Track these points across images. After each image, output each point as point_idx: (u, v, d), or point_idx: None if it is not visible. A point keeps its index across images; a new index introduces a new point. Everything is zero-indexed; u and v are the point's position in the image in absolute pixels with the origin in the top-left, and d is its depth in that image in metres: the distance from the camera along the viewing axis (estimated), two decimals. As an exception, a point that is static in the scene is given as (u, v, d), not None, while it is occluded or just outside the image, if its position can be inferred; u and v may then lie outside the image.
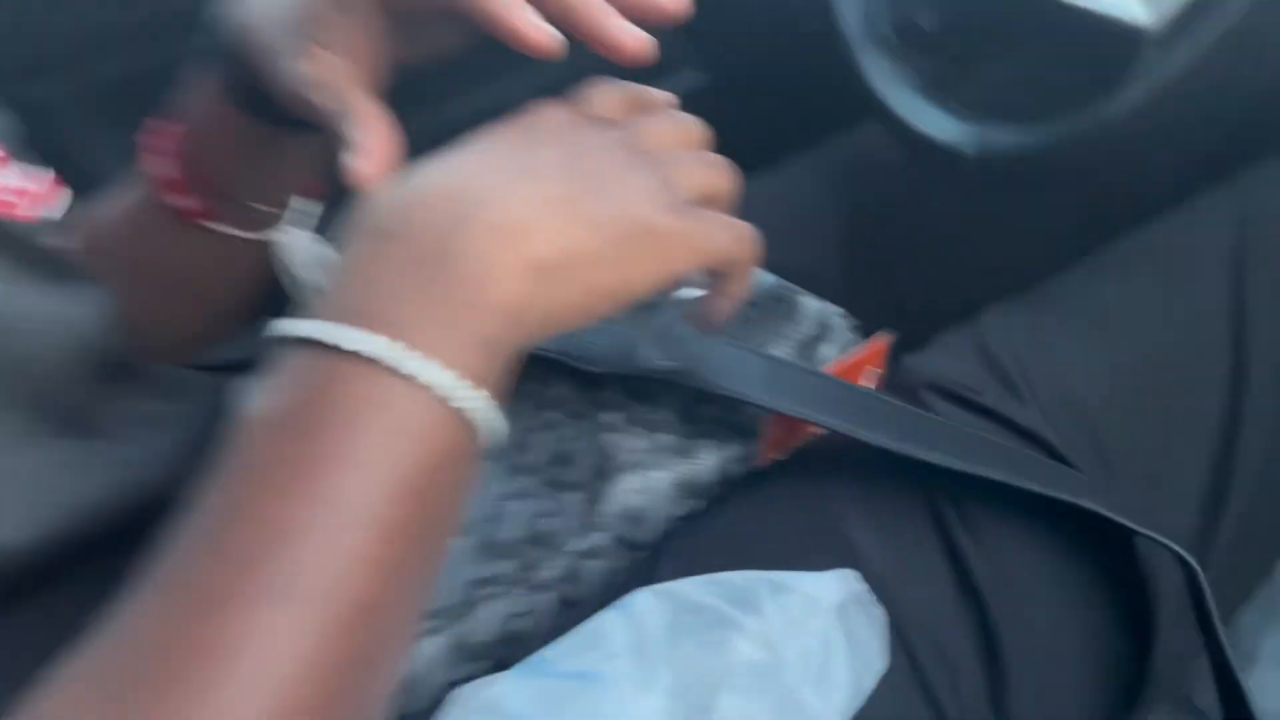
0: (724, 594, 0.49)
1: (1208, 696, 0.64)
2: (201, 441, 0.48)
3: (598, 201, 0.39)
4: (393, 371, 0.35)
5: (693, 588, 0.49)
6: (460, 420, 0.36)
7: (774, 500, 0.57)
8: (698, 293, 0.46)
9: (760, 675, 0.47)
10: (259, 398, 0.36)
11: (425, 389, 0.35)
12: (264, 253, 0.60)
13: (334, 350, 0.35)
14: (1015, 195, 0.72)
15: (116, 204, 0.58)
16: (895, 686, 0.50)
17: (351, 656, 0.33)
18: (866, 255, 0.77)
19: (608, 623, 0.49)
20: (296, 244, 0.60)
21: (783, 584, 0.48)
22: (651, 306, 0.49)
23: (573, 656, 0.48)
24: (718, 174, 0.43)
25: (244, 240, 0.58)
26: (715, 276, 0.45)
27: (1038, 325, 0.59)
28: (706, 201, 0.43)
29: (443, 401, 0.35)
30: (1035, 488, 0.51)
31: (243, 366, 0.59)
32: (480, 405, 0.36)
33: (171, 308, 0.60)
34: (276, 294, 0.64)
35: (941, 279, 0.74)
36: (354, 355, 0.35)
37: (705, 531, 0.57)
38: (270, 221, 0.59)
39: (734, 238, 0.42)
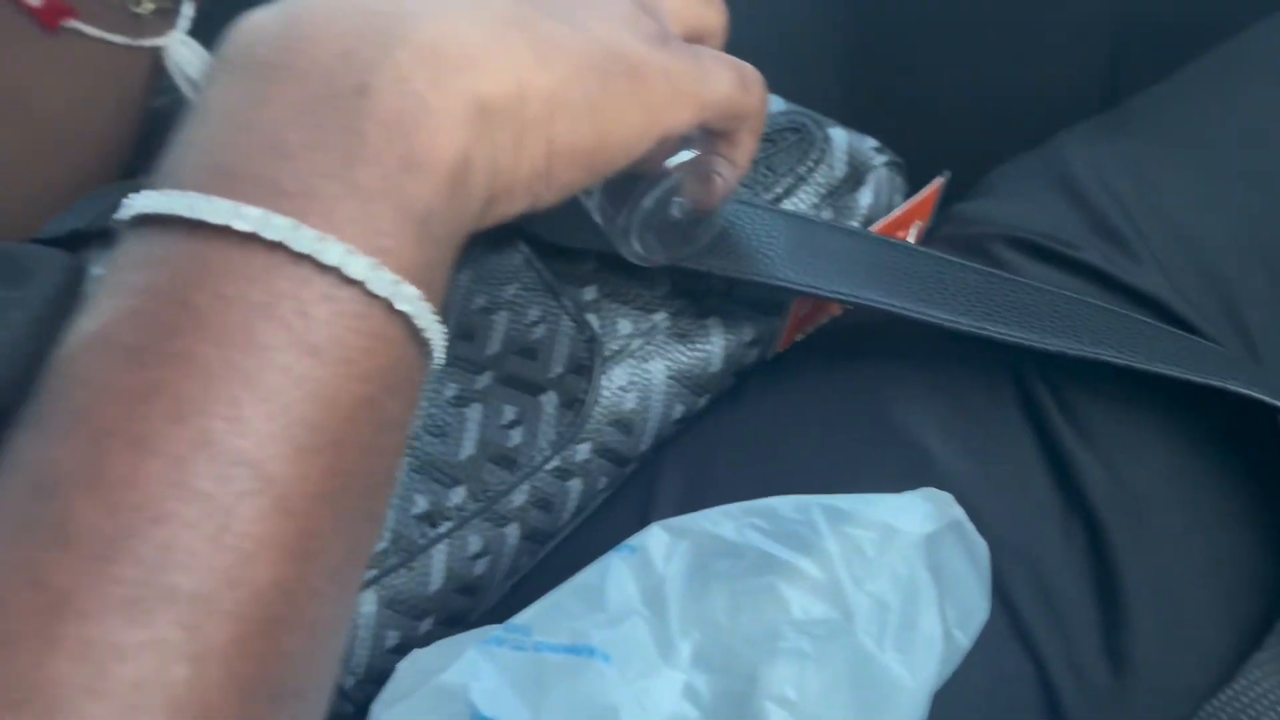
0: (767, 527, 0.35)
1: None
2: (49, 339, 0.38)
3: (561, 25, 0.30)
4: (291, 261, 0.25)
5: (724, 521, 0.36)
6: (392, 329, 0.26)
7: (807, 393, 0.44)
8: (690, 156, 0.36)
9: (821, 636, 0.34)
10: (94, 306, 0.25)
11: (340, 286, 0.25)
12: (143, 72, 0.48)
13: (201, 230, 0.25)
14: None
15: None
16: (983, 634, 0.37)
17: (254, 679, 0.23)
18: (876, 78, 0.62)
19: (608, 573, 0.35)
20: (194, 55, 0.46)
21: (848, 511, 0.35)
22: (631, 183, 0.36)
23: (560, 621, 0.35)
24: (707, 3, 0.36)
25: (120, 49, 0.46)
26: (714, 136, 0.36)
27: (1132, 155, 0.45)
28: (694, 39, 0.35)
29: (367, 303, 0.25)
30: (1169, 369, 0.38)
31: (96, 237, 0.46)
32: (416, 307, 0.26)
33: (16, 157, 0.48)
34: (157, 138, 0.50)
35: (976, 103, 0.60)
36: (231, 236, 0.24)
37: (716, 440, 0.44)
38: (154, 24, 0.46)
39: (739, 81, 0.35)
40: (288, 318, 0.24)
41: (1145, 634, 0.39)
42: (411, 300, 0.26)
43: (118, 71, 0.47)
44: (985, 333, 0.39)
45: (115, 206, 0.49)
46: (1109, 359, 0.38)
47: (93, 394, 0.23)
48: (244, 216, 0.24)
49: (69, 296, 0.42)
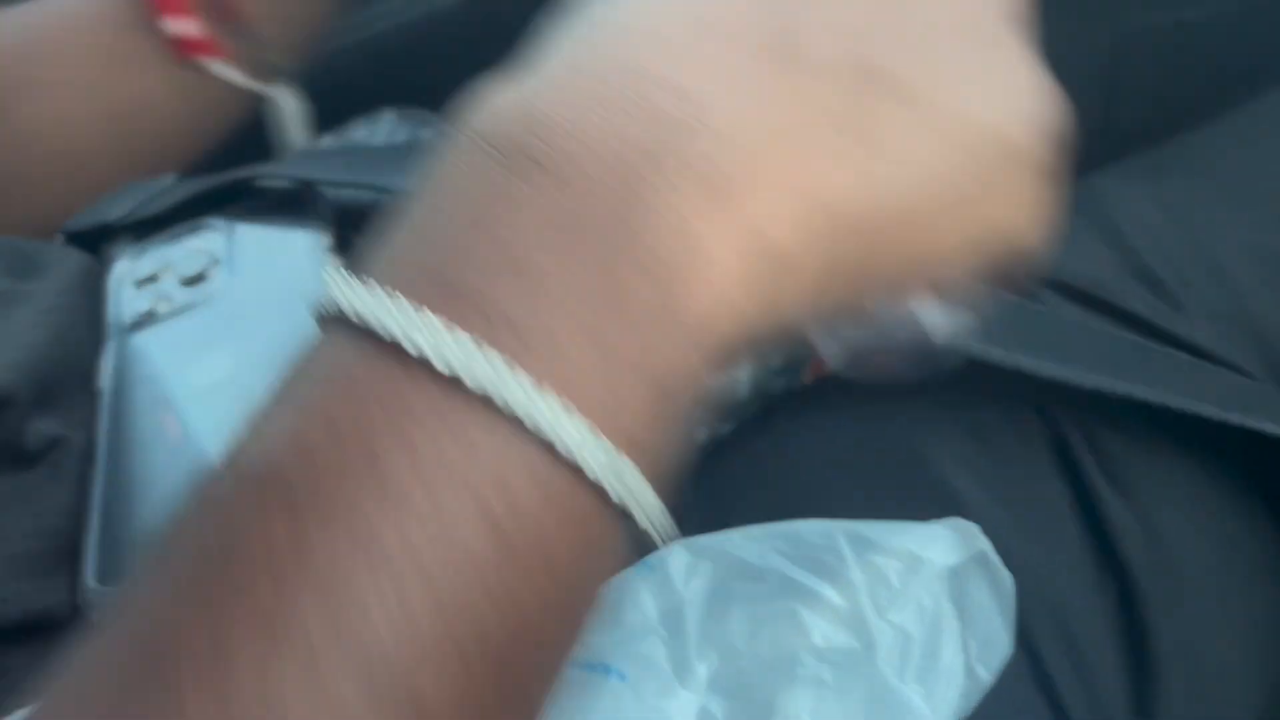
0: (791, 551, 0.35)
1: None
2: (63, 332, 0.39)
3: (916, 114, 0.23)
4: (508, 425, 0.20)
5: (746, 543, 0.35)
6: (610, 517, 0.21)
7: (834, 425, 0.43)
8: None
9: (841, 665, 0.33)
10: (267, 421, 0.21)
11: (555, 466, 0.20)
12: (240, 109, 0.50)
13: (411, 362, 0.20)
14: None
15: (67, 11, 0.48)
16: (1004, 680, 0.36)
17: None
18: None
19: (626, 591, 0.34)
20: (294, 108, 0.49)
21: (873, 539, 0.34)
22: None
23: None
24: None
25: (234, 90, 0.47)
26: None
27: (1178, 200, 0.45)
28: None
29: (583, 490, 0.20)
30: (1208, 410, 0.37)
31: (123, 231, 0.46)
32: (652, 515, 0.21)
33: (109, 174, 0.48)
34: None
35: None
36: (442, 380, 0.20)
37: (740, 467, 0.43)
38: (272, 71, 0.48)
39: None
40: (487, 496, 0.19)
41: (1174, 693, 0.38)
42: (652, 509, 0.21)
43: (229, 101, 0.49)
44: (1016, 365, 0.38)
45: (148, 202, 0.49)
46: (1141, 395, 0.37)
47: (233, 544, 0.19)
48: (477, 377, 0.19)
49: (81, 292, 0.42)
